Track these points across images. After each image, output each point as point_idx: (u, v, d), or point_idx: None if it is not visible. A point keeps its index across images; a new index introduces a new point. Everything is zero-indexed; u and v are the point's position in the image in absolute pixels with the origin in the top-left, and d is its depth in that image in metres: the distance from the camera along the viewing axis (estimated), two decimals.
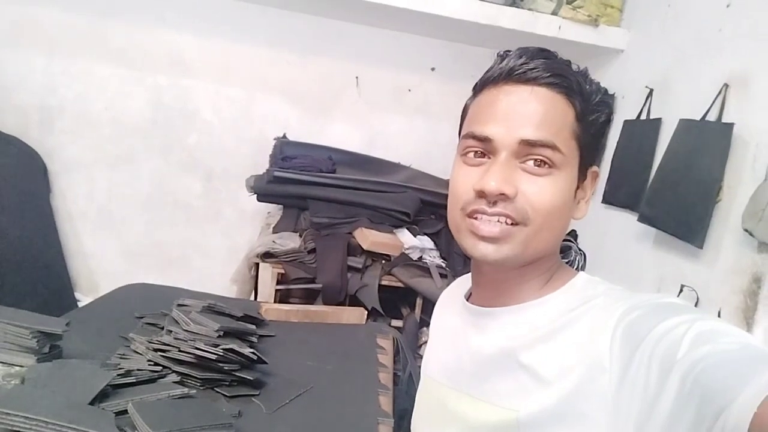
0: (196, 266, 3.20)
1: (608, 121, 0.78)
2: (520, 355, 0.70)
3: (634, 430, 0.57)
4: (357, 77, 3.11)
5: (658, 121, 2.30)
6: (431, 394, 0.86)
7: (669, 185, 2.09)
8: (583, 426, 0.63)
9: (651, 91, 2.40)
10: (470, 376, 0.77)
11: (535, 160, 0.69)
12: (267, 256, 2.52)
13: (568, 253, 2.82)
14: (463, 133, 0.75)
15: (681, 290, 2.03)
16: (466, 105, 0.80)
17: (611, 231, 2.58)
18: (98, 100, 3.05)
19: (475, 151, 0.72)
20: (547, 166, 0.69)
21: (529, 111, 0.69)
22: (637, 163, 2.37)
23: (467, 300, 0.83)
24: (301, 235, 2.63)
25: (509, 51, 0.73)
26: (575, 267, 2.74)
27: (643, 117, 2.43)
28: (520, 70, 0.70)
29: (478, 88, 0.76)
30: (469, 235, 0.71)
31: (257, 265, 2.63)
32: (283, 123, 3.09)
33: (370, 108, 3.15)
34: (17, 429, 1.02)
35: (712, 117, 1.99)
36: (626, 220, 2.40)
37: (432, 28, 2.81)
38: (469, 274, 0.86)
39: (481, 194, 0.69)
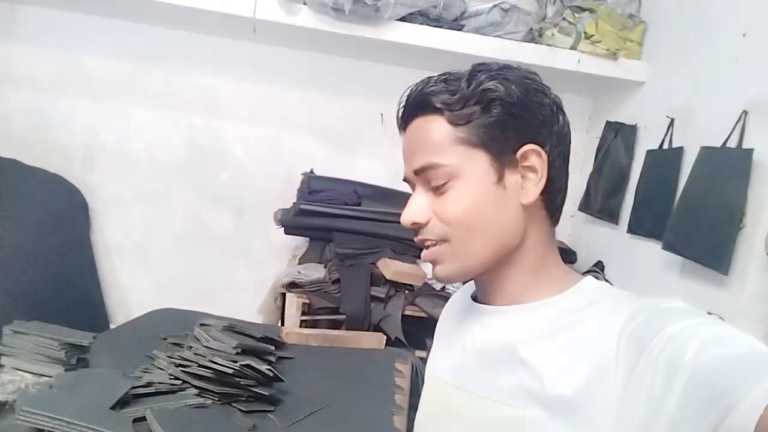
0: (226, 299, 3.27)
1: (500, 106, 0.75)
2: (521, 351, 0.71)
3: None
4: (382, 114, 3.20)
5: (680, 149, 2.30)
6: (435, 393, 0.86)
7: (692, 213, 2.08)
8: (587, 427, 0.63)
9: (672, 120, 2.42)
10: (474, 373, 0.77)
11: (431, 182, 0.75)
12: (292, 286, 2.57)
13: None
14: None
15: None
16: None
17: (637, 260, 2.55)
18: (137, 141, 3.21)
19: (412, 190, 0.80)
20: (442, 182, 0.74)
21: (410, 146, 0.78)
22: (660, 192, 2.36)
23: (474, 300, 0.85)
24: (326, 266, 2.67)
25: None
26: None
27: (665, 146, 2.44)
28: (399, 118, 0.81)
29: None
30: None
31: (284, 295, 2.68)
32: (311, 159, 3.19)
33: (395, 143, 3.19)
34: (42, 428, 1.08)
35: (732, 144, 1.99)
36: (651, 249, 2.38)
37: (454, 65, 2.87)
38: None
39: (408, 228, 0.78)
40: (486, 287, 0.80)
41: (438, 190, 0.74)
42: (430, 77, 0.79)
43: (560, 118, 0.78)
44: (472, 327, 0.81)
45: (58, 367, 1.34)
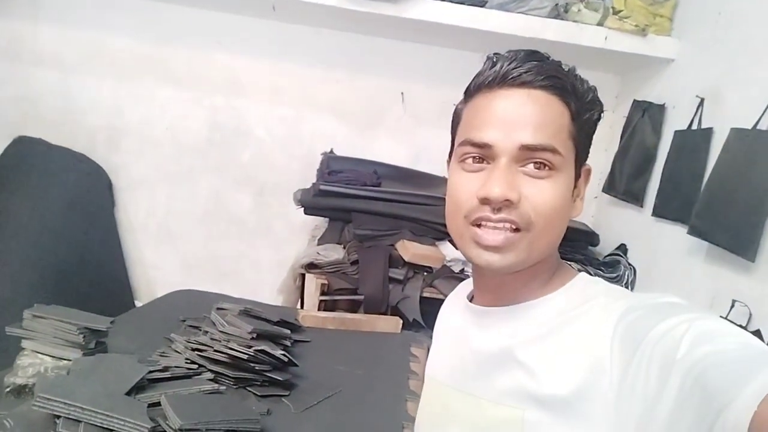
0: (247, 278, 3.31)
1: (599, 119, 0.78)
2: (517, 353, 0.71)
3: (635, 431, 0.57)
4: (402, 93, 3.16)
5: (710, 130, 2.23)
6: (435, 395, 0.86)
7: (720, 197, 2.02)
8: (585, 426, 0.63)
9: (702, 100, 2.34)
10: (472, 375, 0.77)
11: (536, 163, 0.69)
12: (311, 267, 2.59)
13: (617, 267, 2.74)
14: (459, 140, 0.75)
15: (732, 306, 1.95)
16: (457, 110, 0.79)
17: (662, 245, 2.50)
18: (160, 121, 3.24)
19: (474, 157, 0.72)
20: (547, 168, 0.69)
21: (526, 115, 0.68)
22: (687, 174, 2.30)
23: (470, 301, 0.84)
24: (344, 247, 2.68)
25: (499, 54, 0.73)
26: (624, 282, 2.66)
27: (694, 127, 2.36)
28: (514, 74, 0.69)
29: (471, 93, 0.75)
30: (472, 244, 0.71)
31: (303, 276, 2.70)
32: (331, 139, 3.18)
33: (416, 123, 3.19)
34: (57, 414, 1.11)
35: (763, 126, 1.92)
36: (677, 234, 2.32)
37: (476, 42, 2.83)
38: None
39: (485, 201, 0.68)
40: (493, 287, 0.79)
41: (534, 174, 0.69)
42: (535, 52, 0.71)
43: None
44: (470, 329, 0.81)
45: (77, 351, 1.38)
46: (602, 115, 0.75)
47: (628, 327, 0.62)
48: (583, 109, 0.72)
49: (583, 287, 0.74)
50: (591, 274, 2.66)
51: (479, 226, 0.70)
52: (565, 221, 0.73)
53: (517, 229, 0.68)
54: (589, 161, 0.78)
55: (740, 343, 0.54)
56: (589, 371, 0.63)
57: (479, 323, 0.80)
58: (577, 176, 0.75)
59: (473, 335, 0.80)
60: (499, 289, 0.77)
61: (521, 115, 0.69)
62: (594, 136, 0.76)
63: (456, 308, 0.89)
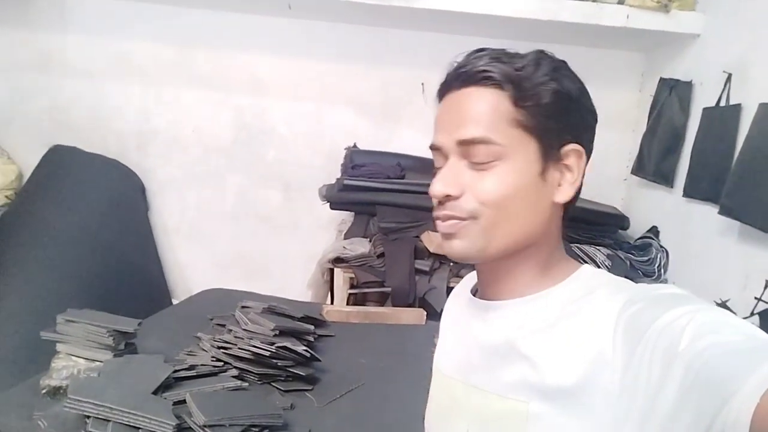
0: (277, 274, 3.37)
1: (562, 94, 0.75)
2: (521, 346, 0.71)
3: (638, 423, 0.57)
4: (423, 84, 3.15)
5: (738, 107, 2.17)
6: (442, 389, 0.87)
7: (751, 175, 1.97)
8: (589, 419, 0.63)
9: (729, 75, 2.27)
10: (478, 368, 0.78)
11: (474, 156, 0.71)
12: (338, 261, 2.62)
13: (649, 250, 2.69)
14: None
15: (766, 286, 1.89)
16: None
17: (693, 226, 2.44)
18: (187, 124, 3.31)
19: (438, 160, 0.76)
20: (488, 160, 0.70)
21: (461, 112, 0.72)
22: (717, 152, 2.24)
23: (474, 295, 0.85)
24: (370, 240, 2.70)
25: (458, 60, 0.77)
26: (657, 265, 2.61)
27: (723, 103, 2.30)
28: (453, 77, 0.73)
29: (438, 101, 0.79)
30: (441, 235, 0.76)
31: (331, 270, 2.73)
32: (354, 133, 3.19)
33: None
34: (87, 414, 1.16)
35: None
36: (708, 214, 2.27)
37: (493, 28, 2.80)
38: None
39: (433, 198, 0.73)
40: (490, 279, 0.79)
41: (478, 167, 0.71)
42: (482, 49, 0.74)
43: (595, 127, 0.78)
44: (474, 323, 0.81)
45: (107, 353, 1.43)
46: (562, 86, 0.73)
47: (630, 319, 0.61)
48: (527, 92, 0.71)
49: (586, 280, 0.74)
50: (621, 259, 2.60)
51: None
52: (534, 208, 0.73)
53: (463, 220, 0.71)
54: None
55: (743, 335, 0.53)
56: (592, 363, 0.63)
57: (482, 317, 0.80)
58: (556, 159, 0.73)
59: (477, 329, 0.80)
60: (493, 282, 0.78)
61: (457, 113, 0.72)
62: (583, 113, 0.75)
63: (461, 302, 0.90)
